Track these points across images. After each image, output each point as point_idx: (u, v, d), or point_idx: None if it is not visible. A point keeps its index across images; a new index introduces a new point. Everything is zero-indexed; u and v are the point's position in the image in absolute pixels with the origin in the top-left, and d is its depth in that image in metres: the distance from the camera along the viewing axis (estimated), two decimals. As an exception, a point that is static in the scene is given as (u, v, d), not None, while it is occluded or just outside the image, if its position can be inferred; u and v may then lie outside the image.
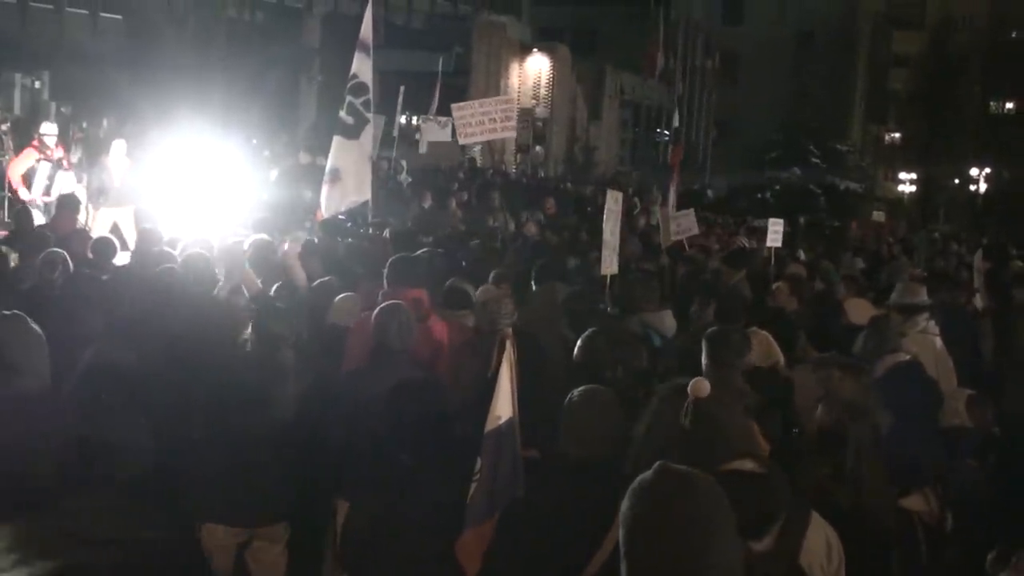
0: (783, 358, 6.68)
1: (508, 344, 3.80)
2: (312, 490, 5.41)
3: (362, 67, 11.27)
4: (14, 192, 13.56)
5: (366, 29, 11.23)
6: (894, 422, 5.02)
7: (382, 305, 5.31)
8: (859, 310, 8.19)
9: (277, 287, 7.26)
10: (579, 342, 5.14)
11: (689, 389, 3.27)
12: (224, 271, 7.16)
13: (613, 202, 8.66)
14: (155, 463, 4.86)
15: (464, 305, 6.38)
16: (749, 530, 3.02)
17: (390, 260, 6.57)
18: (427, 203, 16.48)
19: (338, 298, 6.65)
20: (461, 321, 6.25)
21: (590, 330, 5.09)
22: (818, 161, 46.15)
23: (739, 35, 54.77)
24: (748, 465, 3.13)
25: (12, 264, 7.51)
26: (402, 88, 19.48)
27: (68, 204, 9.92)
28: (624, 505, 2.25)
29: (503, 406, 3.82)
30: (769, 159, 45.78)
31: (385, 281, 6.36)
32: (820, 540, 3.46)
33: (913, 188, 54.66)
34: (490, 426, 3.82)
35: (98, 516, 2.87)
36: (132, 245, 11.76)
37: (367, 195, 11.43)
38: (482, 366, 5.27)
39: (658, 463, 2.28)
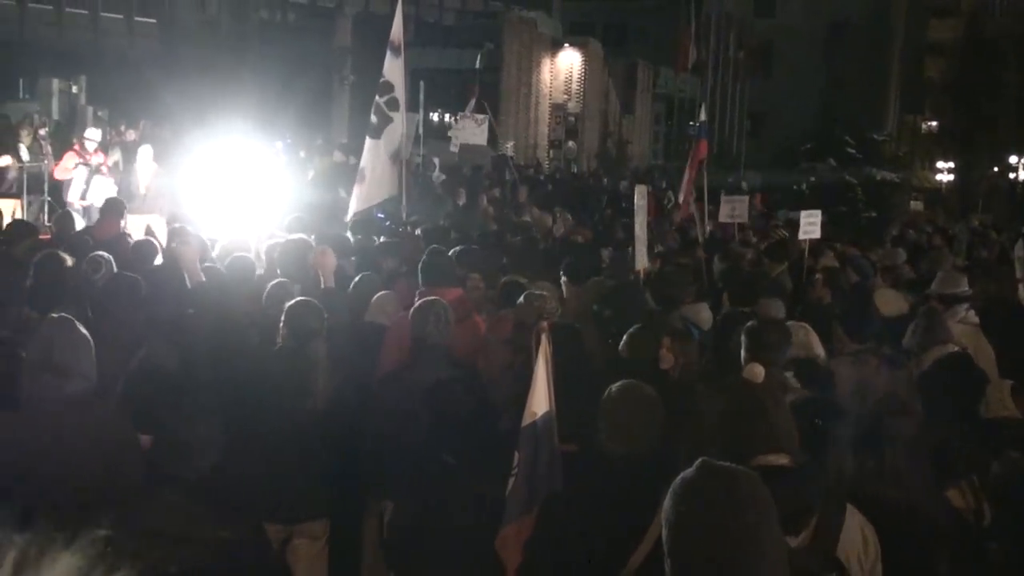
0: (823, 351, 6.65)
1: (544, 339, 3.82)
2: (352, 487, 5.46)
3: (392, 67, 11.38)
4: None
5: (396, 29, 11.32)
6: (939, 414, 4.98)
7: (420, 302, 5.34)
8: (889, 301, 8.14)
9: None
10: (625, 337, 5.15)
11: (744, 375, 3.26)
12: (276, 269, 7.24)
13: (640, 197, 8.67)
14: (210, 463, 4.96)
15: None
16: (785, 525, 3.01)
17: (423, 259, 6.59)
18: (461, 200, 16.52)
19: (376, 296, 6.68)
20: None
21: (636, 326, 5.10)
22: (853, 152, 45.69)
23: (772, 26, 54.33)
24: (782, 459, 3.13)
25: (68, 265, 7.55)
26: (422, 84, 19.52)
27: (112, 209, 9.99)
28: (666, 503, 2.26)
29: (540, 400, 3.84)
30: (803, 151, 45.40)
31: (420, 280, 6.38)
32: (856, 533, 3.45)
33: (951, 177, 54.01)
34: (527, 420, 3.85)
35: (163, 515, 2.92)
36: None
37: (391, 193, 11.55)
38: (526, 361, 5.30)
39: (700, 460, 2.29)
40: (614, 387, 3.78)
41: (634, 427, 3.68)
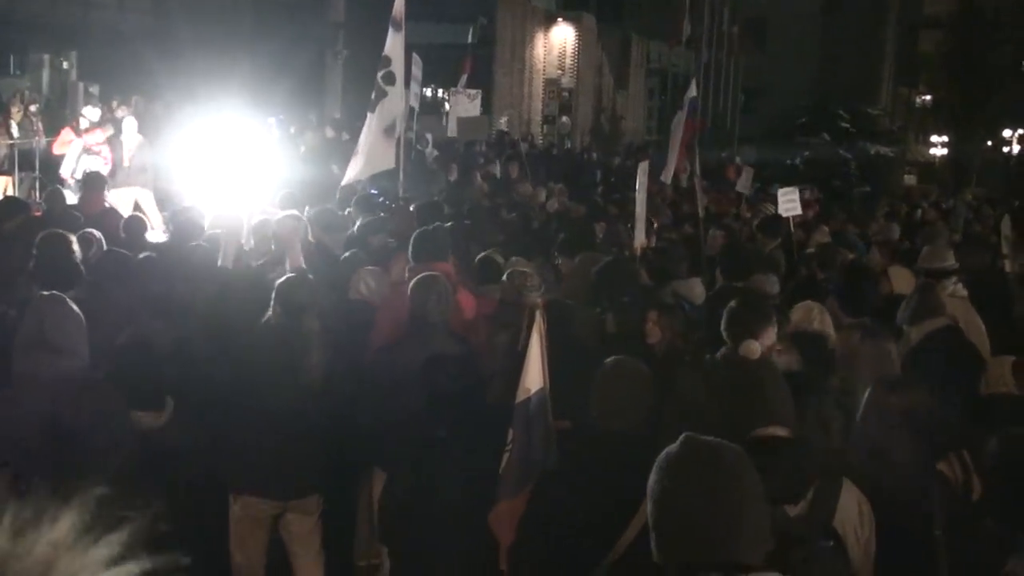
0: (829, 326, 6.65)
1: (538, 316, 3.81)
2: (344, 462, 5.47)
3: (393, 42, 11.41)
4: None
5: (398, 4, 11.35)
6: (930, 387, 4.98)
7: (419, 277, 5.31)
8: (903, 278, 8.10)
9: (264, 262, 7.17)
10: (612, 312, 5.15)
11: (740, 351, 3.28)
12: (257, 245, 7.19)
13: (642, 174, 8.67)
14: (192, 441, 4.96)
15: (495, 279, 6.39)
16: (784, 495, 3.03)
17: (415, 234, 6.56)
18: (453, 176, 16.48)
19: (362, 272, 6.65)
20: (491, 294, 6.25)
21: (624, 299, 5.10)
22: (848, 126, 45.64)
23: (766, 0, 54.08)
24: (780, 431, 3.14)
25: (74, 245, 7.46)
26: (415, 56, 19.41)
27: (94, 184, 9.97)
28: (651, 478, 2.28)
29: (533, 378, 3.84)
30: (798, 125, 45.32)
31: (410, 255, 6.36)
32: (853, 505, 3.48)
33: (945, 151, 53.94)
34: (520, 397, 3.85)
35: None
36: (155, 224, 11.88)
37: (384, 166, 11.55)
38: (510, 338, 5.30)
39: (684, 435, 2.30)
40: (607, 363, 3.78)
41: (626, 403, 3.69)
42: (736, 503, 2.18)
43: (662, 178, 13.46)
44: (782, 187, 12.32)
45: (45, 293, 4.69)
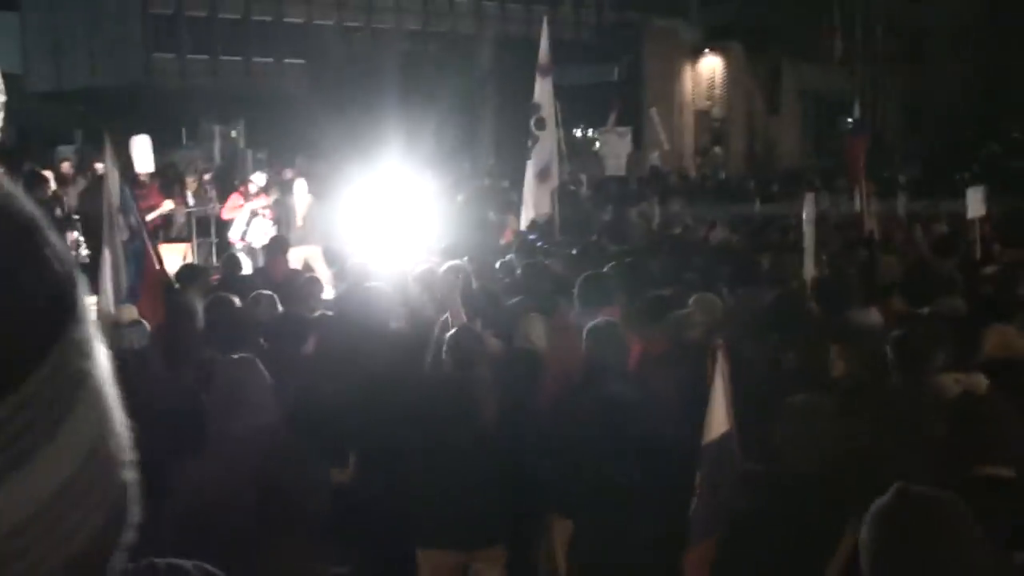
0: None
1: (720, 357, 3.73)
2: (527, 511, 5.46)
3: (541, 88, 11.66)
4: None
5: (544, 52, 11.60)
6: None
7: (594, 324, 5.29)
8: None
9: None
10: (789, 346, 5.00)
11: (965, 386, 3.12)
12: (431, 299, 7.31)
13: (809, 204, 8.47)
14: (376, 495, 5.05)
15: (663, 318, 6.28)
16: (1010, 539, 2.85)
17: (580, 279, 6.54)
18: (607, 215, 16.49)
19: (529, 318, 6.63)
20: (660, 335, 6.15)
21: (806, 335, 4.94)
22: (1019, 136, 43.42)
23: (924, 12, 52.25)
24: (1006, 471, 2.95)
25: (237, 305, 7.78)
26: (556, 104, 19.59)
27: (277, 247, 10.36)
28: (864, 531, 2.20)
29: (719, 419, 3.75)
30: (964, 138, 43.42)
31: (577, 300, 6.34)
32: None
33: None
34: (707, 439, 3.77)
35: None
36: (327, 283, 12.26)
37: (541, 210, 11.74)
38: (680, 378, 5.21)
39: (896, 486, 2.20)
40: (792, 402, 3.66)
41: (815, 443, 3.55)
42: (955, 556, 2.07)
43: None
44: (971, 188, 11.78)
45: (235, 356, 4.90)
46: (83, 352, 0.62)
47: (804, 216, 8.34)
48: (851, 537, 3.56)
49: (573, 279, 8.69)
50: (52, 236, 0.64)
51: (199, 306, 6.92)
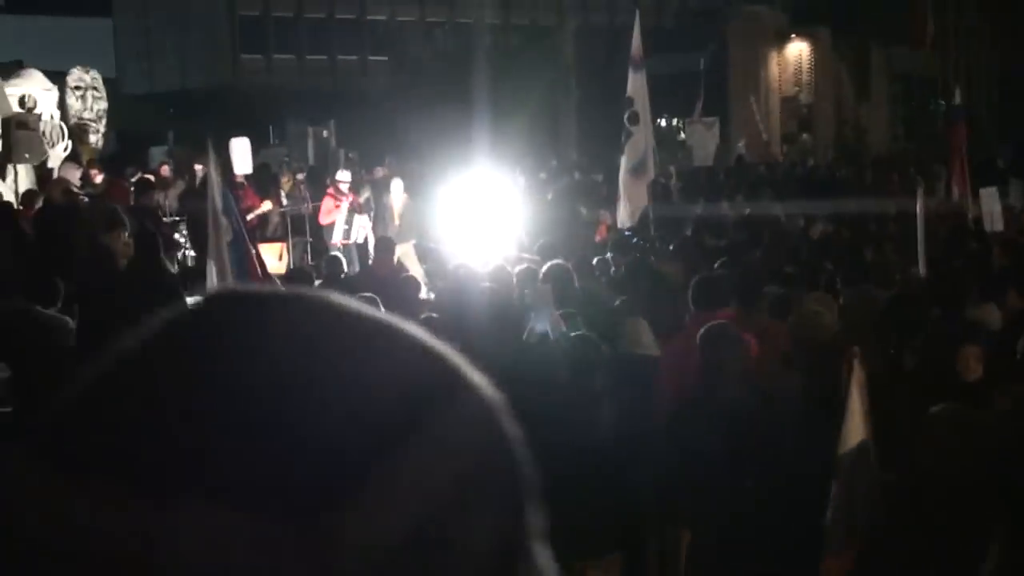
0: None
1: (856, 365, 3.67)
2: (641, 519, 5.44)
3: (634, 82, 11.57)
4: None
5: (636, 44, 11.52)
6: None
7: (709, 328, 5.19)
8: None
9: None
10: (913, 348, 4.90)
11: None
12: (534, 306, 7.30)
13: (921, 198, 8.29)
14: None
15: (783, 315, 6.15)
16: None
17: (694, 281, 6.44)
18: (699, 209, 16.31)
19: (634, 322, 6.56)
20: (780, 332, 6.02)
21: (928, 336, 4.83)
22: None
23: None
24: None
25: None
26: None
27: (384, 247, 10.47)
28: None
29: (856, 428, 3.69)
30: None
31: (691, 302, 6.25)
32: None
33: None
34: (843, 448, 3.71)
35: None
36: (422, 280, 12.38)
37: (639, 206, 11.68)
38: (807, 382, 5.13)
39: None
40: (939, 412, 3.57)
41: (965, 453, 3.47)
42: None
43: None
44: None
45: None
46: None
47: (918, 211, 8.15)
48: (996, 547, 3.50)
49: (674, 277, 8.64)
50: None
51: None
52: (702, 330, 5.23)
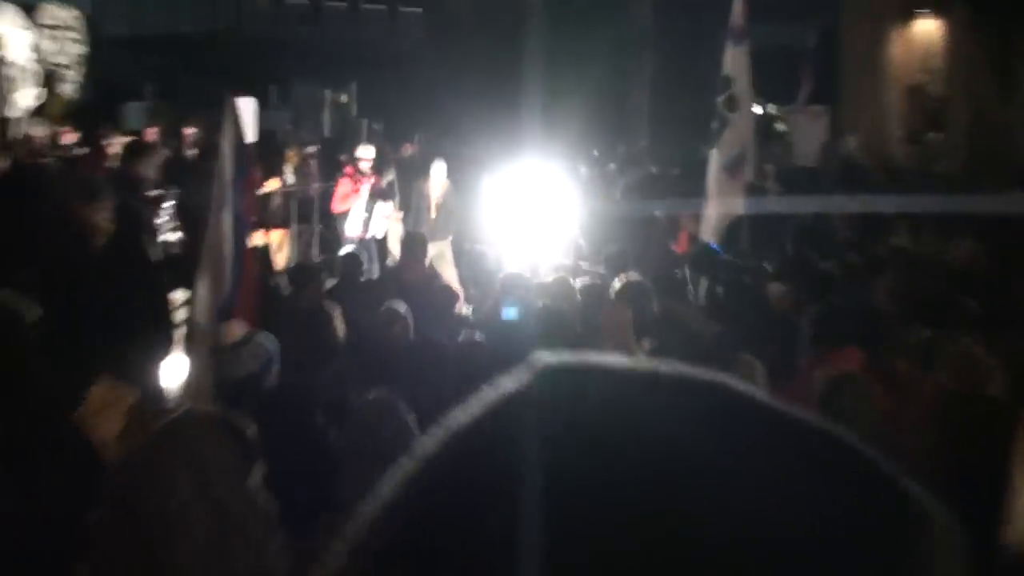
0: None
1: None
2: None
3: (734, 57, 11.36)
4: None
5: (737, 11, 11.30)
6: None
7: (838, 376, 5.01)
8: None
9: None
10: None
11: None
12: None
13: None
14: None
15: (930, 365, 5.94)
16: None
17: (813, 314, 6.23)
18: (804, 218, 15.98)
19: (742, 363, 6.34)
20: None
21: None
22: None
23: None
24: None
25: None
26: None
27: (414, 246, 10.22)
28: None
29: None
30: None
31: (810, 340, 6.04)
32: None
33: None
34: (1009, 538, 3.53)
35: None
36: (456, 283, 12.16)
37: (732, 211, 11.44)
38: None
39: None
40: None
41: None
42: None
43: None
44: None
45: (373, 397, 4.85)
46: None
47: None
48: None
49: (778, 304, 8.39)
50: None
51: (336, 319, 6.86)
52: (823, 378, 5.10)
